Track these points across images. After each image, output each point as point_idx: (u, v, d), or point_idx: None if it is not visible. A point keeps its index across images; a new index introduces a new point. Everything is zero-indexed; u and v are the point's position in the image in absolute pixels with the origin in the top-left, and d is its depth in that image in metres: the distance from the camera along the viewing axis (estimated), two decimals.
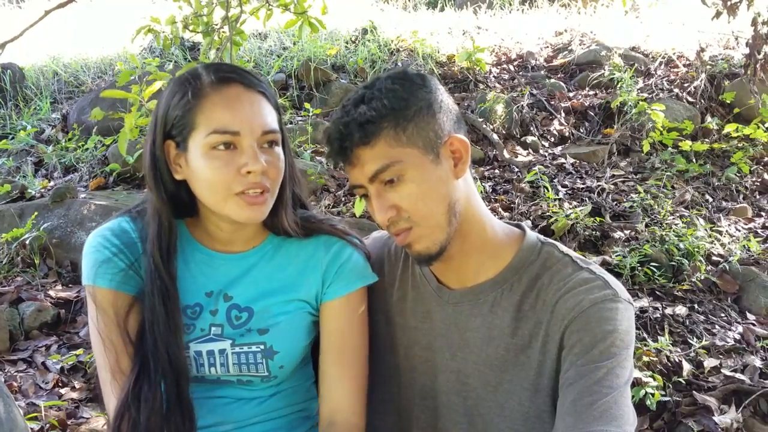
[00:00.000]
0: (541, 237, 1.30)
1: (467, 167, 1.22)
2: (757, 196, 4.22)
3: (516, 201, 3.76)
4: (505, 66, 5.64)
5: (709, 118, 4.86)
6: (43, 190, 3.95)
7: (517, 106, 4.81)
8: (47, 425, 2.19)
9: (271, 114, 1.24)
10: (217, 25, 2.81)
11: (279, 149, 1.25)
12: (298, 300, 1.32)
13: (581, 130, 4.82)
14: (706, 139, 4.71)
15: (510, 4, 7.58)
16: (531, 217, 3.57)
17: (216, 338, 1.27)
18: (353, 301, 1.33)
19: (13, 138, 4.72)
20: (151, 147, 1.23)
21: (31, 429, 2.11)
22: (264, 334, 1.28)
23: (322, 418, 1.30)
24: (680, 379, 2.49)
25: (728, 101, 4.94)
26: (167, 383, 1.19)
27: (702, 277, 3.12)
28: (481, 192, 3.72)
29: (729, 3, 3.88)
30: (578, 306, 1.15)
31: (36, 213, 3.43)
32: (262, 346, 1.28)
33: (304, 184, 1.41)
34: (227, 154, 1.17)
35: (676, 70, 5.39)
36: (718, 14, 3.98)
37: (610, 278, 1.20)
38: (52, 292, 3.03)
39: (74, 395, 2.41)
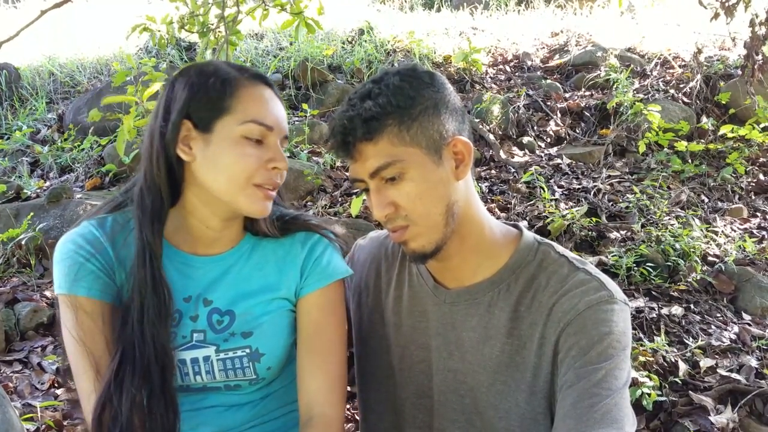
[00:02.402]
0: (538, 237, 1.30)
1: (469, 169, 1.22)
2: (753, 197, 4.22)
3: (512, 201, 3.77)
4: (501, 67, 5.65)
5: (704, 119, 4.87)
6: (39, 191, 3.94)
7: (514, 107, 4.82)
8: (43, 426, 2.18)
9: (286, 121, 1.27)
10: (213, 24, 2.81)
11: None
12: (279, 298, 1.31)
13: (577, 131, 4.82)
14: (702, 140, 4.72)
15: (506, 5, 7.59)
16: (527, 218, 3.58)
17: (199, 345, 1.25)
18: (328, 295, 1.32)
19: (8, 138, 4.71)
20: (162, 125, 1.21)
21: (27, 430, 2.10)
22: (248, 338, 1.27)
23: (300, 415, 1.28)
24: (676, 379, 2.49)
25: (723, 102, 4.96)
26: (152, 374, 1.16)
27: (698, 278, 3.13)
28: (478, 192, 3.73)
29: (726, 4, 3.88)
30: (574, 309, 1.15)
31: (32, 213, 3.42)
32: (247, 350, 1.26)
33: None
34: (256, 146, 1.19)
35: (671, 71, 5.41)
36: (716, 15, 3.98)
37: (605, 279, 1.20)
38: (47, 293, 3.02)
39: (70, 396, 2.39)
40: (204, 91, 1.19)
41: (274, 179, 1.22)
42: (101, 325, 1.19)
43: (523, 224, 3.02)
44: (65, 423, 2.23)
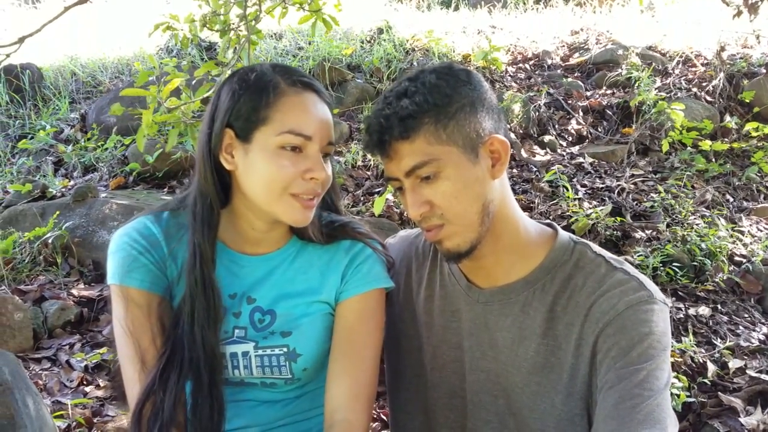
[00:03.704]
0: (574, 237, 1.29)
1: (505, 168, 1.21)
2: None
3: (535, 201, 3.75)
4: (521, 65, 5.62)
5: (728, 118, 4.82)
6: (63, 190, 3.97)
7: (534, 106, 4.80)
8: (74, 423, 2.20)
9: (332, 126, 1.26)
10: (233, 24, 2.82)
11: (329, 159, 1.28)
12: (319, 302, 1.32)
13: (599, 130, 4.79)
14: (726, 139, 4.67)
15: (524, 3, 7.55)
16: (551, 217, 3.56)
17: (239, 340, 1.27)
18: (365, 302, 1.32)
19: (32, 137, 4.75)
20: (207, 133, 1.23)
21: (59, 427, 2.12)
22: (287, 337, 1.28)
23: (324, 419, 1.28)
24: (705, 380, 2.47)
25: (747, 100, 4.91)
26: (200, 375, 1.18)
27: (725, 278, 3.10)
28: None
29: (750, 1, 3.85)
30: (613, 309, 1.13)
31: (57, 212, 3.45)
32: (285, 349, 1.27)
33: (339, 191, 1.42)
34: (294, 156, 1.19)
35: (694, 69, 5.35)
36: (739, 13, 3.95)
37: (644, 279, 1.19)
38: (74, 291, 3.05)
39: (99, 393, 2.42)
40: (243, 100, 1.19)
41: (314, 188, 1.21)
42: (149, 316, 1.21)
43: None
44: (95, 420, 2.24)
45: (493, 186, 1.19)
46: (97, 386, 2.46)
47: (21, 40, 2.50)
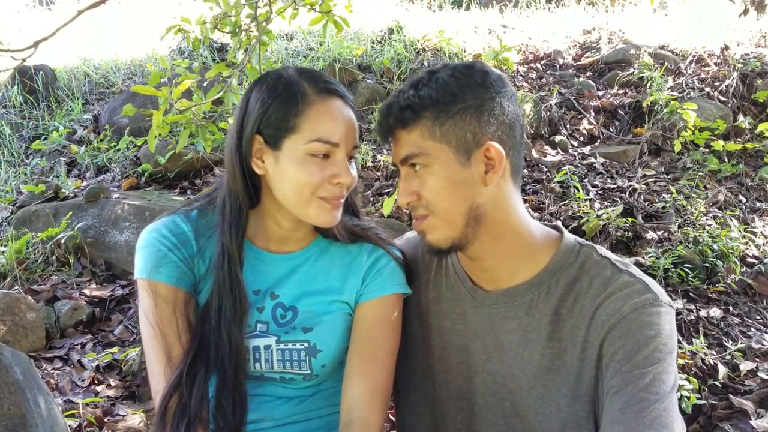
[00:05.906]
0: (579, 239, 1.29)
1: (497, 177, 1.18)
2: None
3: (546, 201, 3.74)
4: (532, 65, 5.60)
5: (741, 118, 4.78)
6: (76, 190, 4.01)
7: (546, 105, 4.78)
8: (85, 422, 2.22)
9: (357, 129, 1.30)
10: (244, 25, 2.82)
11: (353, 162, 1.31)
12: (340, 301, 1.35)
13: (611, 130, 4.77)
14: (739, 139, 4.64)
15: (536, 3, 7.52)
16: (561, 218, 3.54)
17: (261, 334, 1.31)
18: (384, 306, 1.35)
19: (46, 138, 4.80)
20: (237, 138, 1.27)
21: (69, 426, 2.14)
22: (308, 332, 1.31)
23: (341, 416, 1.30)
24: (716, 383, 2.45)
25: (761, 100, 4.87)
26: (225, 371, 1.22)
27: (737, 279, 3.08)
28: None
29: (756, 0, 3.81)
30: (618, 312, 1.13)
31: (70, 213, 3.49)
32: (306, 344, 1.31)
33: (359, 193, 1.45)
34: (321, 162, 1.23)
35: (707, 68, 5.31)
36: (745, 11, 3.91)
37: (650, 282, 1.18)
38: (86, 291, 3.08)
39: (110, 393, 2.44)
40: (273, 109, 1.23)
41: (340, 192, 1.25)
42: (175, 312, 1.25)
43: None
44: (106, 419, 2.26)
45: (484, 191, 1.19)
46: (108, 386, 2.49)
47: (36, 44, 2.52)
